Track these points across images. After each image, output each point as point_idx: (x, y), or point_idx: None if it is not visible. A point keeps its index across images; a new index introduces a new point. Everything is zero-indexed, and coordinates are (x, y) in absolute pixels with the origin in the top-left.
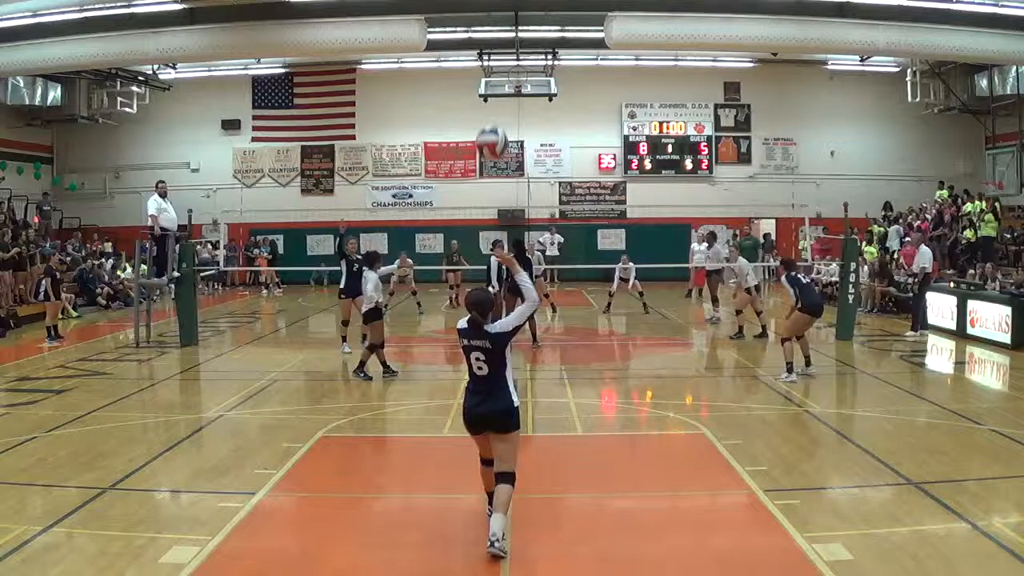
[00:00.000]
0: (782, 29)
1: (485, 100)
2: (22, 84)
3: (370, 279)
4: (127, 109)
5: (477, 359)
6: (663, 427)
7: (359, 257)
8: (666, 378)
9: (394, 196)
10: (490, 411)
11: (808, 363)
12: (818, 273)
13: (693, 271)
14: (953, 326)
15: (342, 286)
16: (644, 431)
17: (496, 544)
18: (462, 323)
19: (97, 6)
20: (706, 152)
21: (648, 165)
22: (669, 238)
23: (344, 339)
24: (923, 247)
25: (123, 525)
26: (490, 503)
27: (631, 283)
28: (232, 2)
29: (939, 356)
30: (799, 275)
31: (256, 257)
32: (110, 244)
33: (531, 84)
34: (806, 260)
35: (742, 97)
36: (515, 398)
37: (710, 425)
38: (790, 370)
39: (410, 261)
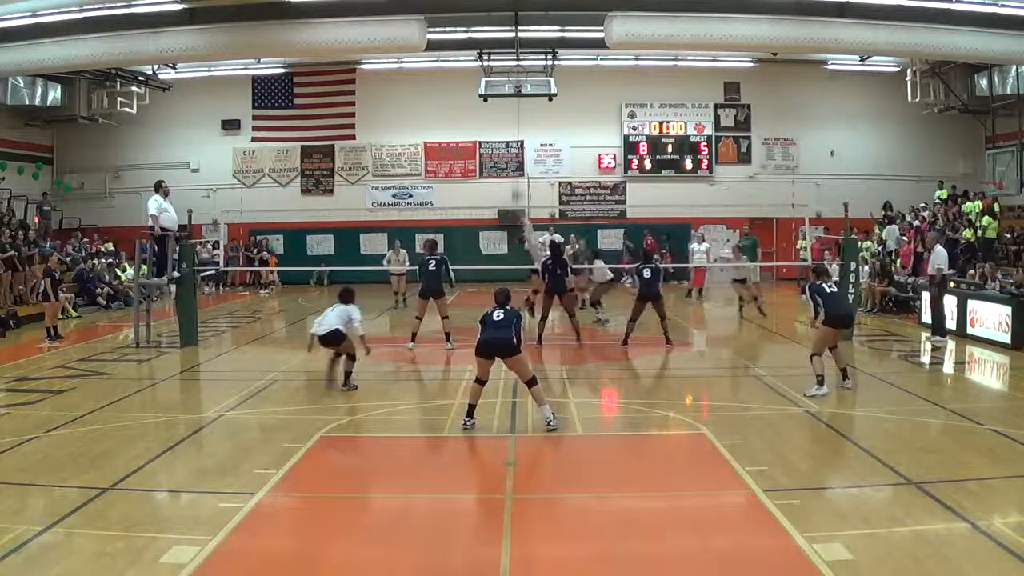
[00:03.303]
0: (782, 29)
1: (485, 100)
2: (22, 84)
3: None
4: (127, 109)
5: (498, 313)
6: (663, 427)
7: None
8: (666, 378)
9: (394, 196)
10: (497, 339)
11: (845, 376)
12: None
13: (693, 271)
14: (953, 326)
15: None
16: (644, 431)
17: (552, 426)
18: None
19: (97, 6)
20: (706, 152)
21: (648, 165)
22: (669, 238)
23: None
24: (938, 247)
25: (123, 525)
26: (469, 415)
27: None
28: (232, 2)
29: (939, 356)
30: (824, 284)
31: (268, 257)
32: (110, 244)
33: (531, 84)
34: (806, 260)
35: (742, 97)
36: (515, 339)
37: (710, 425)
38: (821, 383)
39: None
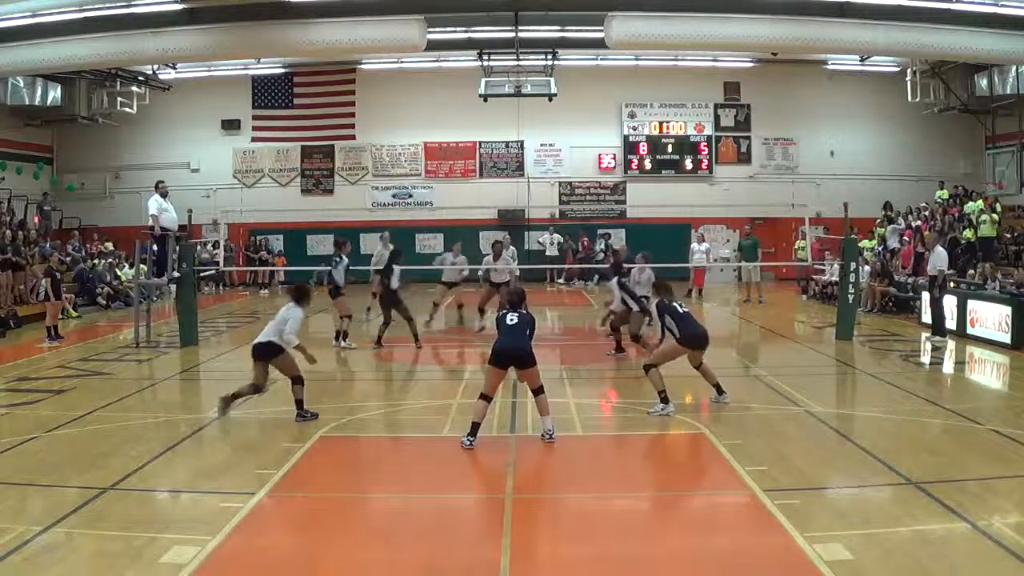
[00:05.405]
0: (782, 29)
1: (485, 100)
2: (22, 84)
3: None
4: (127, 109)
5: (511, 317)
6: (663, 427)
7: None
8: (666, 378)
9: (394, 196)
10: (514, 348)
11: (720, 391)
12: (822, 274)
13: (693, 271)
14: (953, 326)
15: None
16: (644, 431)
17: (551, 436)
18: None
19: (97, 6)
20: (706, 152)
21: (648, 165)
22: (669, 238)
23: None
24: (938, 248)
25: (123, 525)
26: (472, 432)
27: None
28: (232, 2)
29: (939, 356)
30: (675, 303)
31: (273, 258)
32: (110, 244)
33: (531, 84)
34: (804, 260)
35: (742, 97)
36: (530, 346)
37: (710, 425)
38: (665, 400)
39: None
